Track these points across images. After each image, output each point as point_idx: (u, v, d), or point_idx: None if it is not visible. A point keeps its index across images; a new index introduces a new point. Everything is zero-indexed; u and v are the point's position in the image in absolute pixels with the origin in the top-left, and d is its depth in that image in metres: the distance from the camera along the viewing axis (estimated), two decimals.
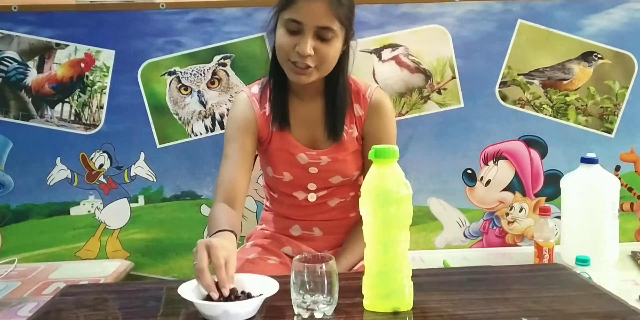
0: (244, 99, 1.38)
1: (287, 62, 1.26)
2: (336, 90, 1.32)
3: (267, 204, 1.51)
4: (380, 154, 0.92)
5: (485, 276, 1.11)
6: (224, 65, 1.84)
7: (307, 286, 0.88)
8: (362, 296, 0.95)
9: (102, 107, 1.84)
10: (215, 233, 1.10)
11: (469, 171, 1.91)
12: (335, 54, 1.26)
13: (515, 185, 1.92)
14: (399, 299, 0.93)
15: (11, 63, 1.82)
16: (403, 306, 0.93)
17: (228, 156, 1.33)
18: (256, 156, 1.47)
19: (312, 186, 1.39)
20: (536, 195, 1.93)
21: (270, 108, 1.35)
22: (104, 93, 1.84)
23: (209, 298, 0.92)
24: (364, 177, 1.24)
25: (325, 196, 1.40)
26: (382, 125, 1.37)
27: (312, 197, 1.40)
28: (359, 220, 1.43)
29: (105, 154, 1.86)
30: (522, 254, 1.77)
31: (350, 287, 0.96)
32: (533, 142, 1.91)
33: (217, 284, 0.93)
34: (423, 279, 1.08)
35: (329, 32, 1.22)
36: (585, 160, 1.62)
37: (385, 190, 0.90)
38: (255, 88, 1.40)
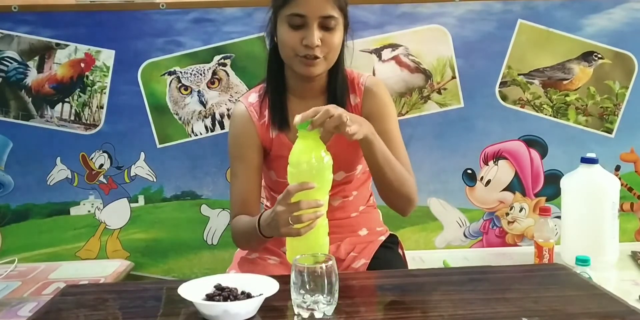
0: (241, 112, 1.37)
1: (294, 57, 1.26)
2: (336, 83, 1.33)
3: (267, 203, 1.51)
4: (302, 127, 1.02)
5: (485, 276, 1.11)
6: (224, 65, 1.84)
7: (307, 286, 0.88)
8: (362, 296, 0.95)
9: (102, 107, 1.85)
10: (258, 221, 1.17)
11: (469, 171, 1.91)
12: (339, 41, 1.28)
13: (515, 185, 1.92)
14: (318, 246, 1.05)
15: (11, 63, 1.82)
16: (320, 250, 1.04)
17: (237, 175, 1.34)
18: None
19: None
20: (536, 195, 1.93)
21: (268, 113, 1.35)
22: (104, 93, 1.84)
23: (209, 298, 0.93)
24: (370, 172, 1.26)
25: (330, 196, 1.40)
26: (379, 103, 1.36)
27: None
28: (361, 220, 1.44)
29: (105, 154, 1.86)
30: (522, 254, 1.77)
31: (351, 287, 0.96)
32: (533, 142, 1.91)
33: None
34: (423, 279, 1.08)
35: (332, 21, 1.24)
36: (585, 160, 1.63)
37: (311, 160, 1.02)
38: (252, 96, 1.38)
